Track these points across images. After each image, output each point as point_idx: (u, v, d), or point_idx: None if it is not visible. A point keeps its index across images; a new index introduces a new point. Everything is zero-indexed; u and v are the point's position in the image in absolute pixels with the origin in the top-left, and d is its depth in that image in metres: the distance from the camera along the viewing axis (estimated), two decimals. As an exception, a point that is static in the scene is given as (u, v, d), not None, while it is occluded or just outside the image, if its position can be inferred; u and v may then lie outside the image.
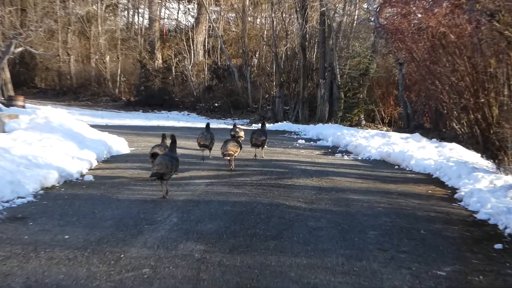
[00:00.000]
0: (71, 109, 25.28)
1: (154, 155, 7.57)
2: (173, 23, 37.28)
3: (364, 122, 20.85)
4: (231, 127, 11.99)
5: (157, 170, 5.96)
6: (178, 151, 11.03)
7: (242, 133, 11.10)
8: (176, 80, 33.06)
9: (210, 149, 9.60)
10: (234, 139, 9.06)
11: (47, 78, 35.87)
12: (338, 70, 21.67)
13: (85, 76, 34.25)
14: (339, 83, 21.64)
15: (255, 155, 10.50)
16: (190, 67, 31.56)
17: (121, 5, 36.60)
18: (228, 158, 8.34)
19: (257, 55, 31.75)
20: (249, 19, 33.52)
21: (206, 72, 31.68)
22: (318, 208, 5.79)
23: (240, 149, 8.71)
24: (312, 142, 14.76)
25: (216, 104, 30.19)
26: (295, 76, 26.08)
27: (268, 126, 20.27)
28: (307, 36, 25.09)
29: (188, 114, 29.18)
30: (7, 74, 24.86)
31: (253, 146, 10.12)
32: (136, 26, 36.57)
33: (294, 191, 6.79)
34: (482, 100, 7.98)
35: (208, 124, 10.25)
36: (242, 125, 23.02)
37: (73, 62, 34.21)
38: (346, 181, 7.81)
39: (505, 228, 5.02)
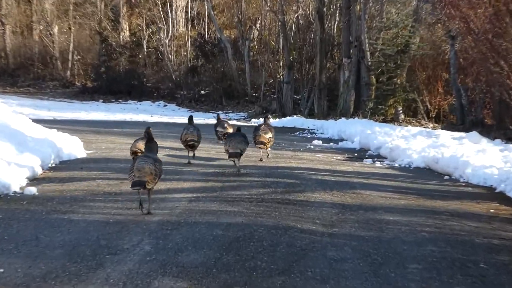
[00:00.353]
0: (6, 97, 25.27)
1: (136, 153, 7.72)
2: (145, -19, 37.38)
3: (402, 116, 20.87)
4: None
5: (139, 177, 6.07)
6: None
7: (231, 130, 11.25)
8: (149, 59, 33.08)
9: (195, 148, 9.95)
10: (241, 134, 9.42)
11: (-27, 56, 35.93)
12: (367, 45, 21.69)
13: (25, 53, 34.29)
14: (369, 63, 21.67)
15: (261, 159, 10.75)
16: (167, 41, 31.62)
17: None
18: (235, 158, 8.98)
19: (258, 26, 31.81)
20: (248, -24, 33.55)
21: (189, 49, 31.72)
22: (341, 232, 5.80)
23: (247, 146, 9.23)
24: (332, 144, 14.76)
25: (202, 92, 30.23)
26: (309, 53, 26.12)
27: (273, 121, 20.32)
28: (326, -1, 25.13)
29: (165, 105, 29.23)
30: None
31: (259, 146, 10.43)
32: (95, -14, 36.61)
33: (308, 209, 6.79)
34: None
35: (191, 117, 10.44)
36: (237, 120, 23.04)
37: (9, 34, 34.25)
38: (378, 196, 7.82)
39: None
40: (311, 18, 26.25)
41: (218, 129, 11.58)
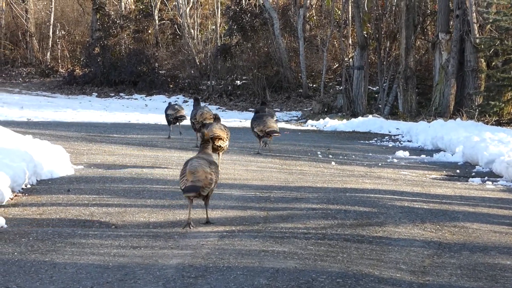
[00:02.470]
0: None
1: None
2: None
3: (526, 116, 20.67)
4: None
5: (193, 182, 6.79)
6: (166, 171, 11.15)
7: (183, 112, 11.63)
8: (162, 35, 33.31)
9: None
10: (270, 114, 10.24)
11: None
12: (475, 15, 21.53)
13: (-13, 27, 34.75)
14: (477, 40, 21.50)
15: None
16: (188, 10, 31.84)
17: None
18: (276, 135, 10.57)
19: (317, -13, 31.86)
20: None
21: (219, 21, 31.88)
22: (437, 283, 5.76)
23: None
24: (423, 156, 14.67)
25: (238, 82, 30.31)
26: (390, 27, 26.04)
27: (338, 124, 20.34)
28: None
29: (185, 102, 29.40)
30: None
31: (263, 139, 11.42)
32: None
33: (390, 250, 6.77)
34: None
35: (196, 99, 11.08)
36: (287, 122, 23.06)
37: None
38: (490, 231, 7.76)
39: None
40: (394, -24, 26.23)
41: (169, 112, 11.95)
